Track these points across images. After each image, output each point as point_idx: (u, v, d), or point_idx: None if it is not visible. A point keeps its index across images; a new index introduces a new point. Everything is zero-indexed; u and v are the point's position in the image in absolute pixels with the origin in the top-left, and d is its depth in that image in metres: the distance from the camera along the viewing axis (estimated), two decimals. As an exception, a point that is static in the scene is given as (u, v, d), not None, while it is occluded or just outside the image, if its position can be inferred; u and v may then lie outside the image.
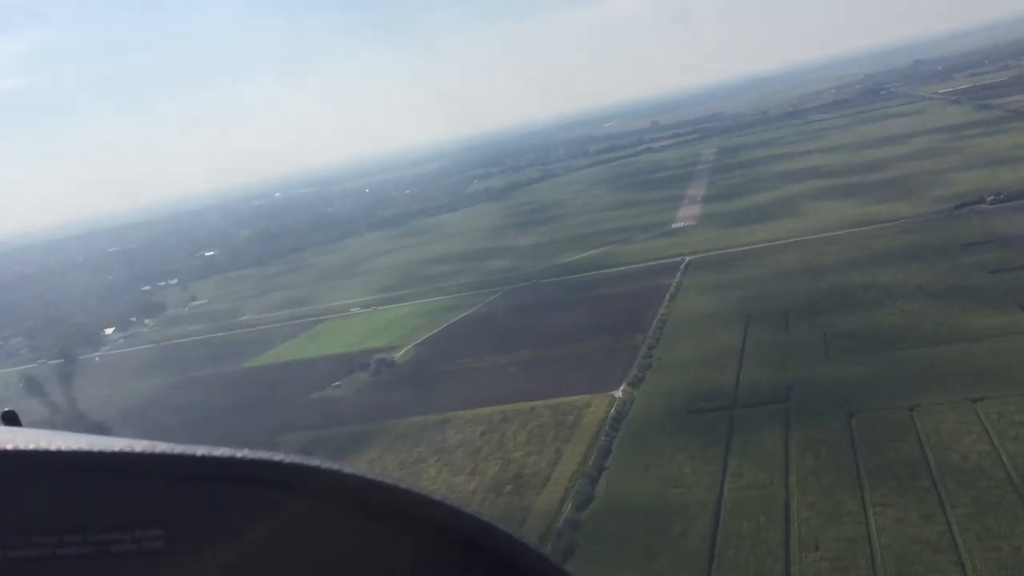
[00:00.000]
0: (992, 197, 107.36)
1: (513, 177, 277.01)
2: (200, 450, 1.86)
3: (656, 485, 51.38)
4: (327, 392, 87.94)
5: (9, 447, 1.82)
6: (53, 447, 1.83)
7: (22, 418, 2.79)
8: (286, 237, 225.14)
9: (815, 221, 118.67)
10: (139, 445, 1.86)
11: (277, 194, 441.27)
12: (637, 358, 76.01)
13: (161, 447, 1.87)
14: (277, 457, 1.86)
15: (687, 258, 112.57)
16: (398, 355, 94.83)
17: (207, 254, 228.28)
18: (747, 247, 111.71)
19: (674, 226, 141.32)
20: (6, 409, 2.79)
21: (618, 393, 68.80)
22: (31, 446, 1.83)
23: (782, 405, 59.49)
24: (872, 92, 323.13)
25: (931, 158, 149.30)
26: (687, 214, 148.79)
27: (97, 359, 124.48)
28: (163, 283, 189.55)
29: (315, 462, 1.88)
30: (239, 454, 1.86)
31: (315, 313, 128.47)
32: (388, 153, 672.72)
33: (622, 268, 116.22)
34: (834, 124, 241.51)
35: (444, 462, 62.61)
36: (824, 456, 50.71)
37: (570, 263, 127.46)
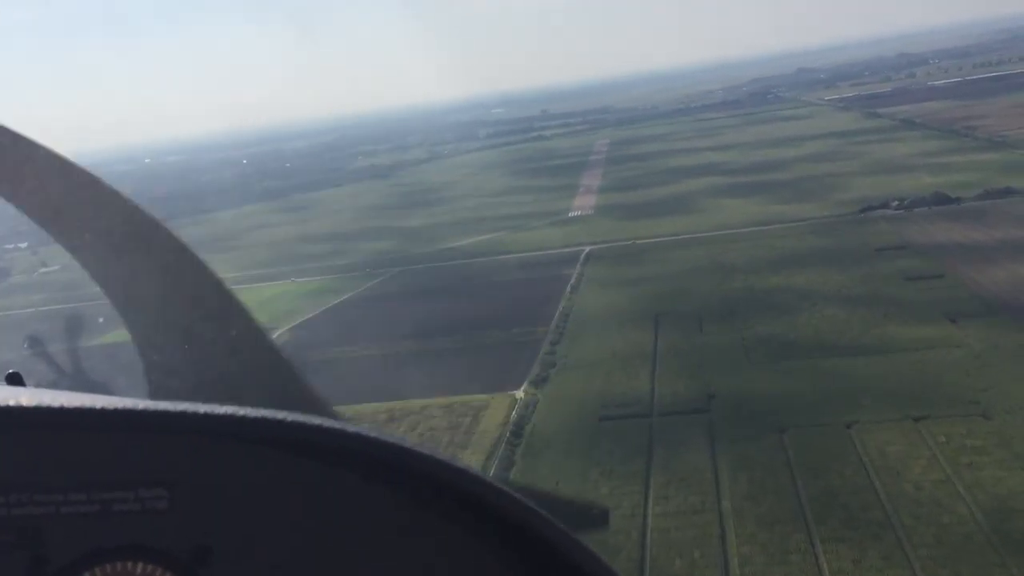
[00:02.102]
0: (897, 202, 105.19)
1: (400, 156, 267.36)
2: (204, 408, 1.86)
3: (569, 506, 44.49)
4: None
5: (12, 403, 1.83)
6: (56, 404, 1.84)
7: None
8: (154, 205, 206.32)
9: (717, 218, 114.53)
10: (142, 403, 1.88)
11: (147, 160, 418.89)
12: (539, 354, 69.11)
13: (164, 405, 1.88)
14: (282, 415, 1.86)
15: (587, 248, 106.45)
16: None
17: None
18: (649, 240, 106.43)
19: (571, 215, 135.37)
20: (10, 371, 2.74)
21: (519, 393, 61.72)
22: (34, 403, 1.85)
23: (704, 415, 53.56)
24: (760, 95, 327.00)
25: (828, 161, 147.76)
26: (583, 203, 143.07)
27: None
28: (11, 246, 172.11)
29: (320, 421, 1.88)
30: (242, 412, 1.86)
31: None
32: (269, 127, 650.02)
33: (517, 255, 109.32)
34: (726, 123, 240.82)
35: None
36: (759, 478, 44.83)
37: (460, 248, 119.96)
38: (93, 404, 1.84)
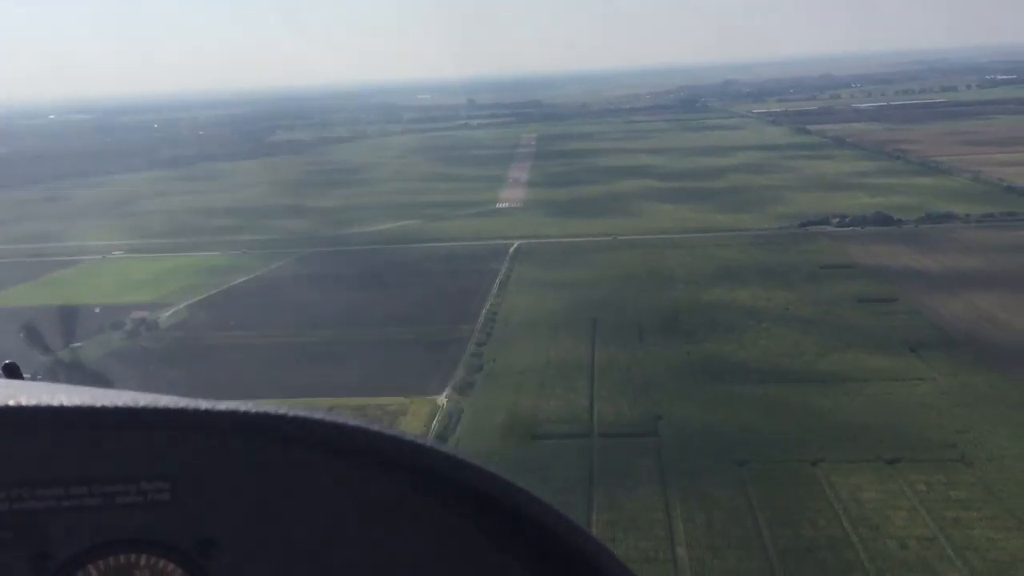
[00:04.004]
0: (838, 219, 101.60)
1: (320, 132, 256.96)
2: (204, 404, 1.88)
3: (499, 544, 37.74)
4: (61, 354, 68.66)
5: (12, 403, 1.84)
6: (56, 403, 1.85)
7: None
8: (51, 162, 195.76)
9: (653, 222, 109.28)
10: (143, 399, 1.89)
11: (51, 116, 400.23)
12: (464, 355, 62.38)
13: (164, 400, 1.89)
14: (281, 410, 1.88)
15: (516, 243, 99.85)
16: (163, 316, 76.80)
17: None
18: (582, 239, 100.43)
19: (498, 206, 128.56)
20: (7, 362, 2.78)
21: (441, 399, 54.85)
22: (35, 402, 1.85)
23: (652, 439, 47.56)
24: (689, 103, 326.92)
25: (763, 173, 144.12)
26: (511, 196, 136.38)
27: None
28: None
29: (319, 415, 1.91)
30: (242, 407, 1.88)
31: (66, 252, 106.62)
32: (189, 93, 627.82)
33: (440, 245, 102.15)
34: (657, 127, 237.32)
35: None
36: (719, 522, 38.81)
37: (378, 232, 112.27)
38: (93, 401, 1.84)
